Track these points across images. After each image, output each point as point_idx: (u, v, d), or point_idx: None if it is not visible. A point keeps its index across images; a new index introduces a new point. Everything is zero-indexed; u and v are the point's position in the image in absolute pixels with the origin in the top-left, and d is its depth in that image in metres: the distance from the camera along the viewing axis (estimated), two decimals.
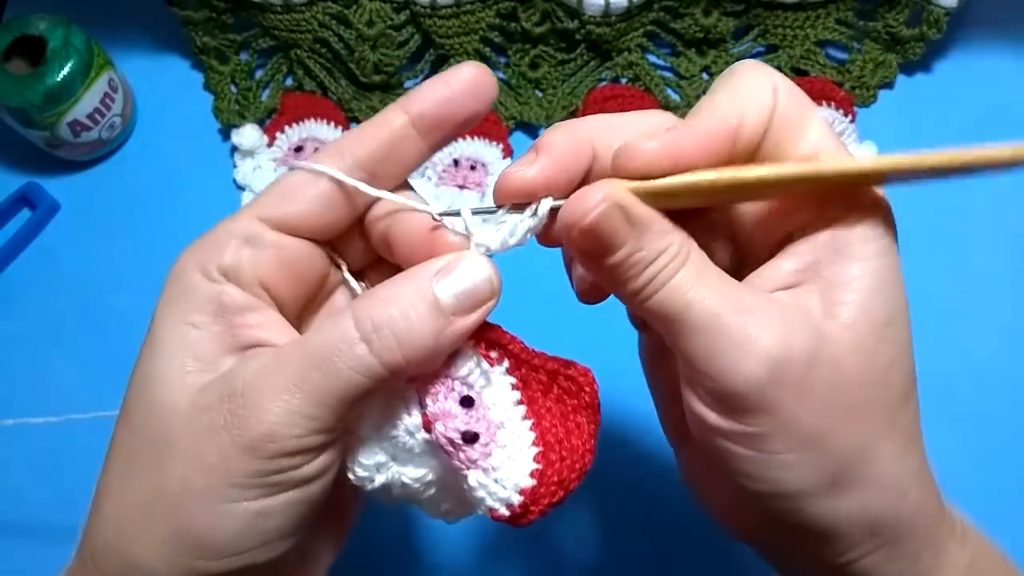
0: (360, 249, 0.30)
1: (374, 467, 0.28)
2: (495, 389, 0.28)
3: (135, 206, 0.63)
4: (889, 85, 0.63)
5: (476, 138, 0.62)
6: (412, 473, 0.28)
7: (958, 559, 0.28)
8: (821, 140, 0.26)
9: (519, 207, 0.27)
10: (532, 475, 0.27)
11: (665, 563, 0.51)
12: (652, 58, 0.63)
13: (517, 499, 0.27)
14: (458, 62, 0.61)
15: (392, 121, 0.28)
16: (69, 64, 0.58)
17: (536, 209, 0.27)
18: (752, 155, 0.26)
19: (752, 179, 0.25)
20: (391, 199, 0.28)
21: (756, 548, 0.31)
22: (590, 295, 0.32)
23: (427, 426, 0.27)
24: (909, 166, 0.24)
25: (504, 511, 0.27)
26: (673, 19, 0.61)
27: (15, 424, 0.41)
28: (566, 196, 0.26)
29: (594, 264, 0.26)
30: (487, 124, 0.62)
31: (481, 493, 0.27)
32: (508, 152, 0.61)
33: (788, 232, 0.27)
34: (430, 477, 0.28)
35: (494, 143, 0.62)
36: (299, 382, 0.24)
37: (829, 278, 0.25)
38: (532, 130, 0.63)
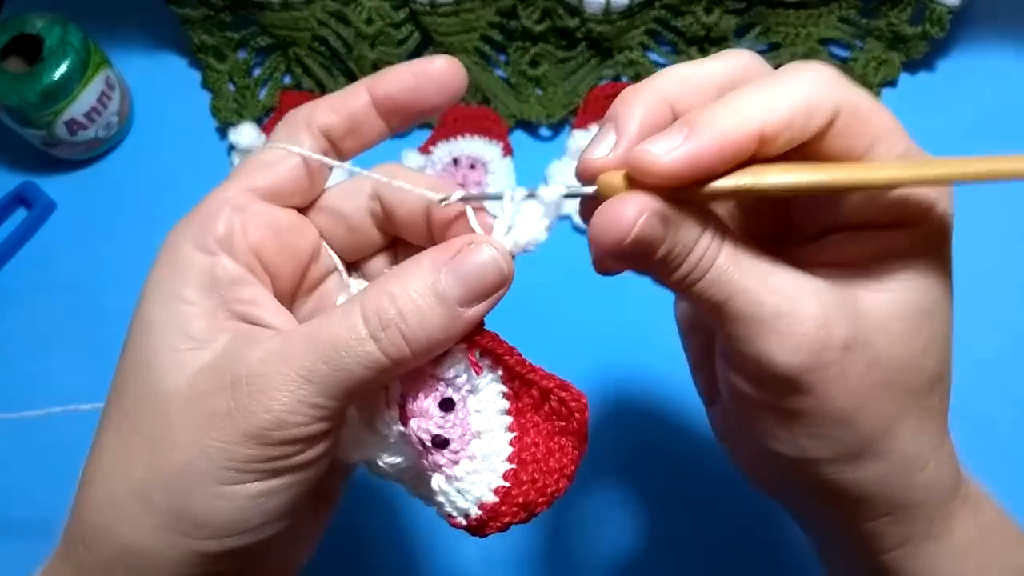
0: (346, 237, 0.30)
1: (353, 445, 0.28)
2: (484, 396, 0.28)
3: (132, 205, 0.62)
4: (892, 83, 0.62)
5: (476, 136, 0.61)
6: (387, 459, 0.28)
7: (970, 528, 0.29)
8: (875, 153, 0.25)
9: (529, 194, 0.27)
10: (496, 492, 0.27)
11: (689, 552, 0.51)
12: (653, 56, 0.63)
13: (475, 512, 0.27)
14: (459, 60, 0.62)
15: (357, 99, 0.28)
16: (66, 62, 0.57)
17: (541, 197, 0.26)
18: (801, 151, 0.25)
19: (770, 187, 0.24)
20: (399, 185, 0.28)
21: (778, 501, 0.33)
22: (607, 269, 0.31)
23: (404, 421, 0.27)
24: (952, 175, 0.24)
25: (461, 520, 0.27)
26: (674, 17, 0.61)
27: (20, 417, 0.41)
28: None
29: (634, 265, 0.26)
30: (487, 122, 0.62)
31: (441, 498, 0.27)
32: (508, 151, 0.61)
33: (838, 223, 0.27)
34: (404, 465, 0.28)
35: (494, 141, 0.61)
36: (307, 373, 0.24)
37: (873, 269, 0.26)
38: (532, 128, 0.63)
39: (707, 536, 0.51)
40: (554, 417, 0.27)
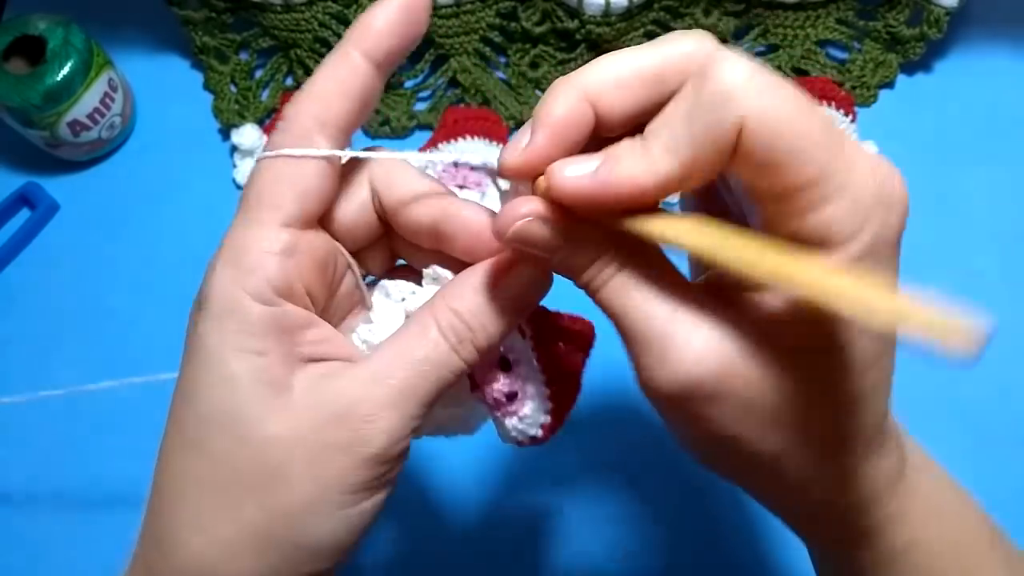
0: (356, 233, 0.30)
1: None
2: (519, 347, 0.32)
3: (135, 206, 0.63)
4: (890, 85, 0.63)
5: (476, 138, 0.61)
6: (446, 412, 0.32)
7: (896, 535, 0.29)
8: (795, 172, 0.22)
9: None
10: (548, 412, 0.32)
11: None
12: None
13: (539, 432, 0.32)
14: (458, 62, 0.62)
15: (356, 72, 0.27)
16: (69, 64, 0.58)
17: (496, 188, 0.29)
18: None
19: (656, 235, 0.24)
20: (407, 158, 0.29)
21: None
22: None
23: (474, 387, 0.31)
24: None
25: (528, 442, 0.33)
26: (673, 19, 0.61)
27: (75, 391, 0.41)
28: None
29: (537, 261, 0.27)
30: (487, 124, 0.62)
31: (514, 433, 0.32)
32: None
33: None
34: (461, 414, 0.33)
35: (494, 143, 0.61)
36: (408, 389, 0.27)
37: (767, 303, 0.25)
38: None
39: (705, 529, 0.51)
40: (563, 343, 0.33)
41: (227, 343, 0.26)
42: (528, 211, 0.25)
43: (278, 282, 0.26)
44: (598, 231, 0.26)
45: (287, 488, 0.26)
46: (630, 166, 0.24)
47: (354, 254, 0.31)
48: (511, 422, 0.32)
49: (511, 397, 0.32)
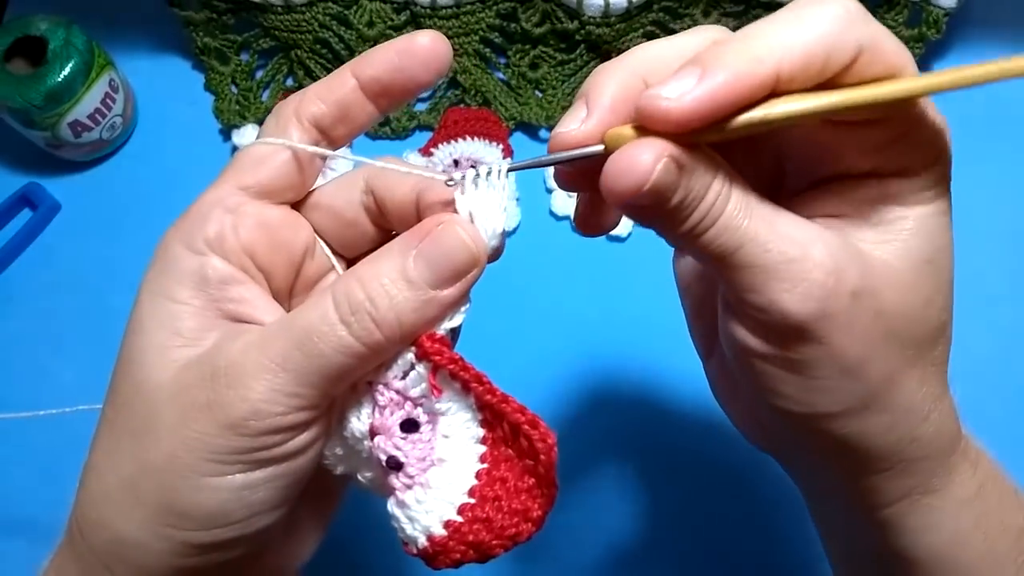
0: (356, 240, 0.30)
1: (336, 457, 0.28)
2: (454, 421, 0.27)
3: (136, 206, 0.63)
4: None
5: (476, 138, 0.62)
6: (364, 472, 0.28)
7: (969, 482, 0.29)
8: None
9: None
10: (446, 526, 0.25)
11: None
12: None
13: (423, 543, 0.25)
14: (458, 63, 0.62)
15: (344, 84, 0.28)
16: (70, 65, 0.58)
17: (498, 172, 0.26)
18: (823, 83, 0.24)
19: (781, 116, 0.23)
20: (379, 166, 0.29)
21: (773, 456, 0.33)
22: (591, 228, 0.31)
23: (372, 435, 0.26)
24: (952, 83, 0.23)
25: (412, 548, 0.26)
26: (673, 20, 0.61)
27: (29, 417, 0.41)
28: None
29: (645, 215, 0.25)
30: (487, 124, 0.62)
31: (394, 523, 0.26)
32: (508, 152, 0.62)
33: (838, 171, 0.27)
34: (379, 481, 0.28)
35: (494, 143, 0.62)
36: (282, 362, 0.25)
37: (874, 219, 0.26)
38: (532, 130, 0.63)
39: (703, 521, 0.52)
40: (524, 455, 0.26)
41: (149, 288, 0.27)
42: (658, 152, 0.23)
43: (211, 232, 0.27)
44: (705, 157, 0.24)
45: (155, 441, 0.25)
46: (735, 60, 0.22)
47: (355, 260, 0.31)
48: (391, 503, 0.26)
49: (393, 466, 0.25)
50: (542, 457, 0.25)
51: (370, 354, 0.25)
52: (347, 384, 0.27)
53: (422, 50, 0.27)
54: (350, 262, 0.32)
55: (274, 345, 0.25)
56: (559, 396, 0.54)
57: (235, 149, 0.62)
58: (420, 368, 0.26)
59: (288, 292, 0.30)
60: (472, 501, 0.25)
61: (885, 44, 0.23)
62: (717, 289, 0.28)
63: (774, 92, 0.23)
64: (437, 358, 0.26)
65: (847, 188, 0.26)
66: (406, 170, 0.28)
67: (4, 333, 0.60)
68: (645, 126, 0.23)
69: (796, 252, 0.24)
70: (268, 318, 0.27)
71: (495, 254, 0.27)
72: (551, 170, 0.26)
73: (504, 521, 0.25)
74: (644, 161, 0.23)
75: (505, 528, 0.25)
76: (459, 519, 0.25)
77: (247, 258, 0.28)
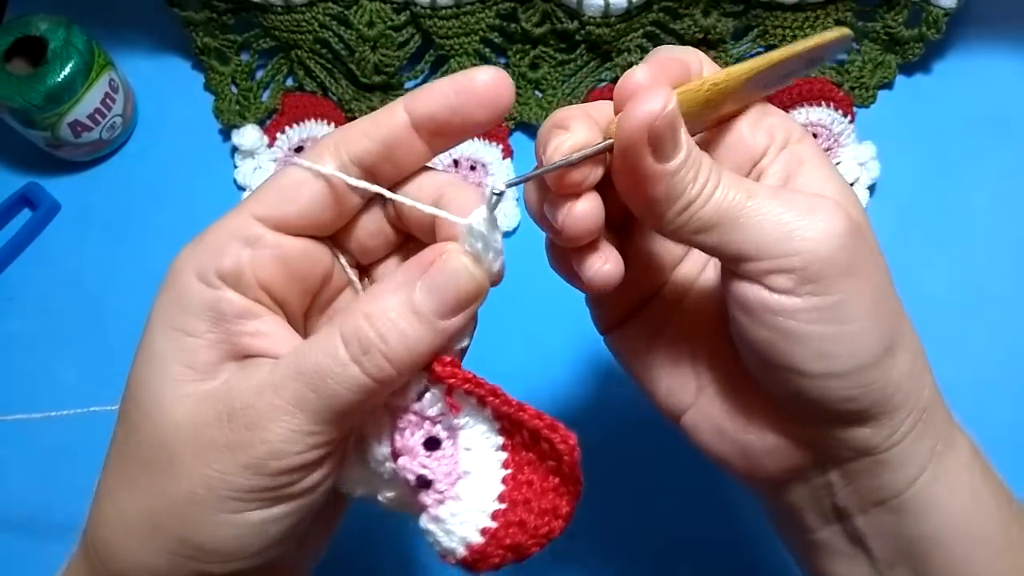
0: (364, 243, 0.30)
1: (353, 481, 0.28)
2: (473, 433, 0.27)
3: (136, 206, 0.63)
4: (888, 85, 0.63)
5: (476, 138, 0.62)
6: (386, 493, 0.28)
7: (966, 447, 0.30)
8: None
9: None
10: (483, 533, 0.26)
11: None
12: None
13: (462, 552, 0.26)
14: (458, 62, 0.62)
15: (393, 120, 0.27)
16: (70, 65, 0.58)
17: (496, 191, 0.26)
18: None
19: (743, 70, 0.28)
20: (392, 197, 0.27)
21: (758, 489, 0.33)
22: (561, 264, 0.31)
23: (394, 456, 0.27)
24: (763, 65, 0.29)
25: (450, 559, 0.27)
26: (673, 20, 0.61)
27: (42, 417, 0.42)
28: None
29: (648, 179, 0.26)
30: None
31: (429, 538, 0.27)
32: (508, 152, 0.62)
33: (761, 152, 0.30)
34: (404, 499, 0.28)
35: (494, 143, 0.62)
36: (297, 403, 0.24)
37: (805, 182, 0.29)
38: (532, 130, 0.63)
39: (703, 521, 0.52)
40: (546, 457, 0.27)
41: (162, 318, 0.26)
42: (666, 96, 0.25)
43: (226, 266, 0.26)
44: (692, 142, 0.26)
45: (174, 478, 0.25)
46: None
47: (371, 267, 0.31)
48: (423, 518, 0.26)
49: (423, 484, 0.26)
50: (566, 458, 0.26)
51: (383, 388, 0.25)
52: (361, 416, 0.27)
53: (482, 88, 0.26)
54: (364, 268, 0.31)
55: (288, 387, 0.25)
56: (561, 395, 0.54)
57: (235, 149, 0.62)
58: (435, 389, 0.27)
59: (303, 315, 0.30)
60: (503, 506, 0.26)
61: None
62: (727, 270, 0.28)
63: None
64: (451, 381, 0.26)
65: (776, 164, 0.30)
66: (430, 211, 0.27)
67: (4, 333, 0.60)
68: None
69: (813, 190, 0.27)
70: (284, 350, 0.26)
71: (497, 278, 0.27)
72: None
73: (536, 521, 0.26)
74: (659, 95, 0.25)
75: (539, 527, 0.26)
76: (494, 525, 0.26)
77: (263, 292, 0.27)
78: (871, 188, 0.59)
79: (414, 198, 0.27)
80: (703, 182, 0.26)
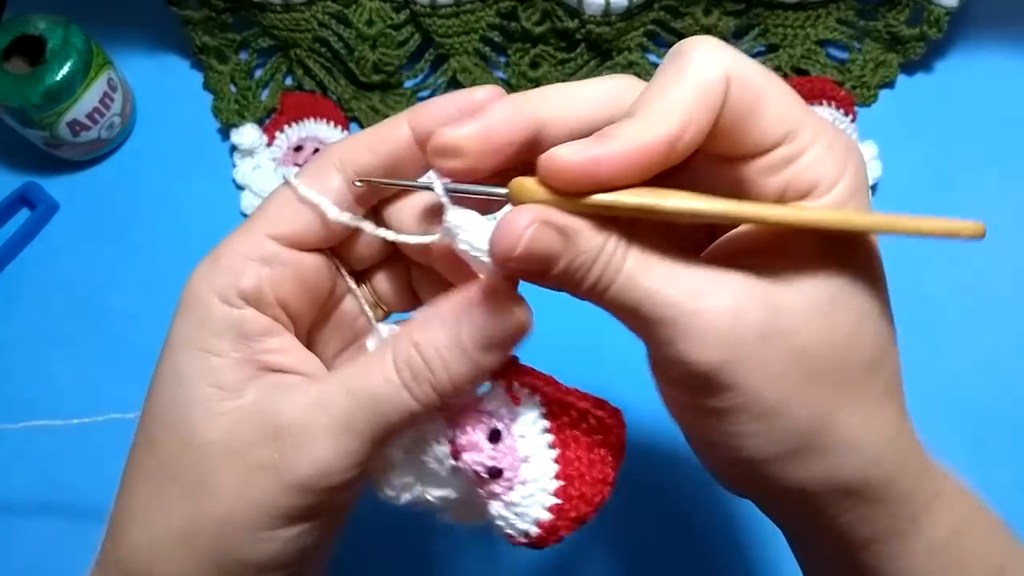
0: (360, 252, 0.30)
1: (402, 487, 0.29)
2: (525, 420, 0.29)
3: (135, 206, 0.63)
4: (890, 85, 0.63)
5: None
6: (437, 492, 0.29)
7: (941, 523, 0.28)
8: (776, 122, 0.24)
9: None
10: (550, 509, 0.28)
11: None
12: (652, 58, 0.63)
13: (535, 531, 0.28)
14: (458, 62, 0.62)
15: (396, 135, 0.27)
16: (68, 64, 0.58)
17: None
18: (693, 152, 0.25)
19: (671, 210, 0.24)
20: (378, 234, 0.28)
21: (749, 499, 0.32)
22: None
23: (455, 455, 0.28)
24: (854, 226, 0.25)
25: (522, 539, 0.29)
26: (673, 18, 0.61)
27: (64, 425, 0.41)
28: (467, 174, 0.26)
29: (541, 279, 0.25)
30: None
31: (501, 523, 0.28)
32: None
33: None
34: (454, 496, 0.30)
35: None
36: (347, 423, 0.25)
37: (785, 262, 0.26)
38: None
39: (706, 519, 0.51)
40: (592, 433, 0.29)
41: (186, 339, 0.27)
42: (532, 217, 0.23)
43: (247, 286, 0.27)
44: (598, 221, 0.24)
45: (212, 498, 0.26)
46: (630, 131, 0.23)
47: (367, 272, 0.31)
48: (495, 506, 0.28)
49: (494, 474, 0.28)
50: (615, 431, 0.29)
51: (425, 413, 0.26)
52: (395, 436, 0.28)
53: (480, 107, 0.26)
54: (358, 275, 0.32)
55: (338, 406, 0.25)
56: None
57: (234, 148, 0.62)
58: (495, 385, 0.29)
59: (307, 329, 0.30)
60: (562, 483, 0.28)
61: (749, 76, 0.24)
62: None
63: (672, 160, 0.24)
64: (513, 375, 0.28)
65: (758, 229, 0.27)
66: (415, 242, 0.28)
67: (2, 333, 0.60)
68: (542, 180, 0.24)
69: (695, 304, 0.24)
70: (302, 366, 0.28)
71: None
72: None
73: (591, 491, 0.28)
74: (518, 224, 0.23)
75: (594, 496, 0.28)
76: (559, 501, 0.28)
77: (280, 309, 0.28)
78: (872, 187, 0.59)
79: (407, 214, 0.29)
80: (593, 280, 0.25)
